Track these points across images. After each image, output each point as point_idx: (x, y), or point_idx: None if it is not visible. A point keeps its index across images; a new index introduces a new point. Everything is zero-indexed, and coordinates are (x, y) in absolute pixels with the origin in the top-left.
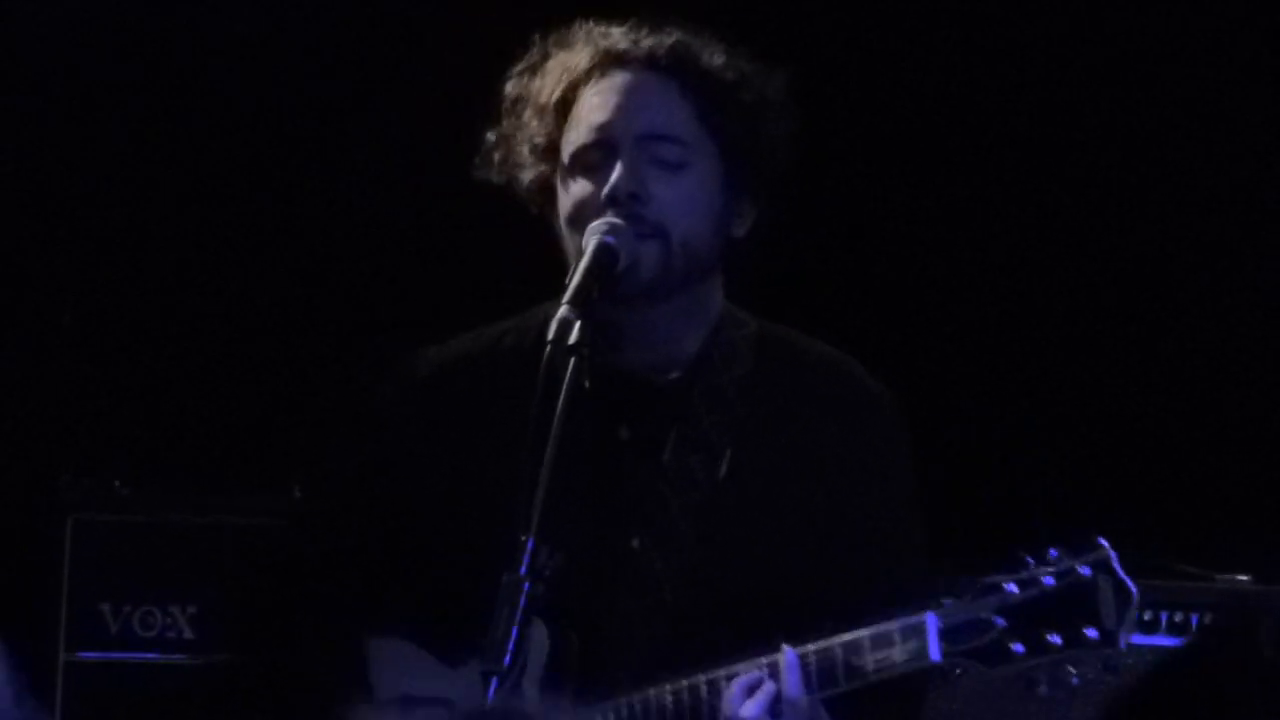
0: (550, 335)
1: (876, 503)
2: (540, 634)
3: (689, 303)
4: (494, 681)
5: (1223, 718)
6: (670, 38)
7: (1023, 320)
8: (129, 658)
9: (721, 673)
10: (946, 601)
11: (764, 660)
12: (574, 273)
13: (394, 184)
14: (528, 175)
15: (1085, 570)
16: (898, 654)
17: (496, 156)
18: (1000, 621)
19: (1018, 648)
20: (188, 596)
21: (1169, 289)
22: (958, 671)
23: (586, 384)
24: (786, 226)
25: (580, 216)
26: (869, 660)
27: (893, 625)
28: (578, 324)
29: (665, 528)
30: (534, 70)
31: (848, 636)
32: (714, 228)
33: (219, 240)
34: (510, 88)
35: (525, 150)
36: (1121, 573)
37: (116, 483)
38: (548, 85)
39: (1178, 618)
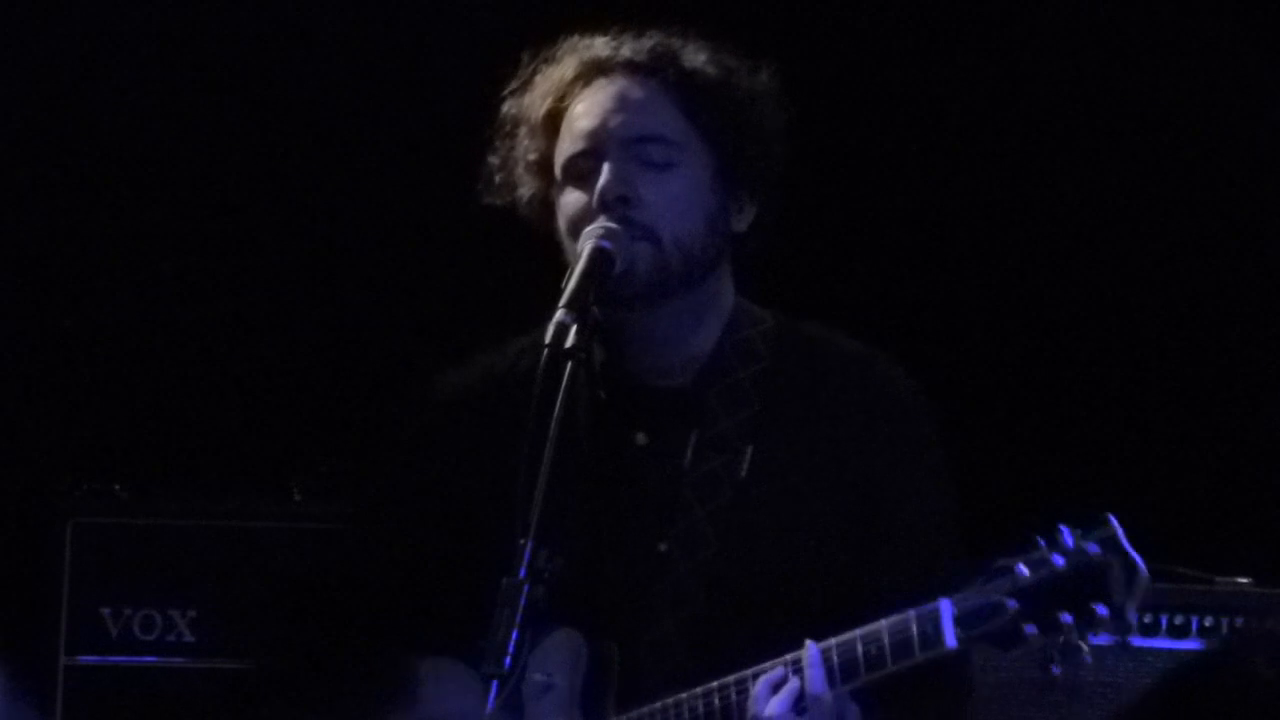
0: (547, 339)
1: (905, 489)
2: (578, 646)
3: (694, 302)
4: (494, 685)
5: None
6: (651, 40)
7: (1023, 321)
8: (129, 661)
9: (749, 673)
10: (961, 587)
11: (787, 657)
12: (570, 277)
13: (399, 192)
14: (526, 193)
15: (1094, 548)
16: (915, 642)
17: (496, 179)
18: (1012, 604)
19: (1030, 629)
20: (188, 600)
21: (1170, 290)
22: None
23: (602, 394)
24: (804, 219)
25: (575, 225)
26: (887, 650)
27: (909, 614)
28: (574, 328)
29: (691, 531)
30: (524, 88)
31: (866, 628)
32: (708, 225)
33: (220, 244)
34: (504, 108)
35: (521, 169)
36: (1129, 549)
37: (117, 486)
38: (536, 101)
39: (1178, 620)
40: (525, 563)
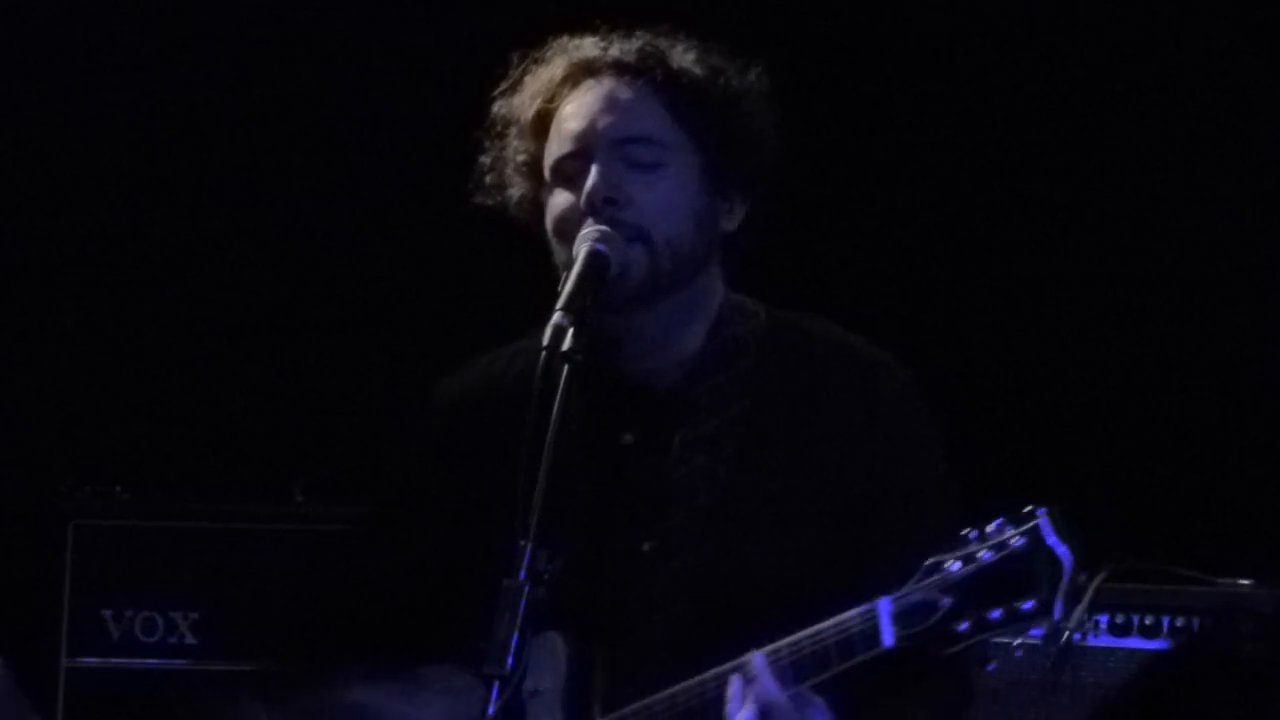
0: (544, 342)
1: (899, 483)
2: (558, 646)
3: (684, 302)
4: (496, 686)
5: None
6: (639, 41)
7: (1023, 322)
8: (130, 663)
9: (708, 676)
10: (901, 584)
11: (738, 665)
12: (566, 280)
13: (400, 195)
14: (516, 194)
15: (1019, 542)
16: (855, 640)
17: (487, 179)
18: (946, 601)
19: (962, 626)
20: (189, 602)
21: (1171, 291)
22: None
23: (589, 394)
24: (798, 214)
25: (564, 227)
26: (831, 649)
27: (851, 612)
28: (571, 330)
29: (676, 531)
30: (513, 89)
31: (815, 629)
32: (698, 225)
33: (220, 246)
34: (495, 109)
35: (511, 170)
36: (1051, 541)
37: (118, 488)
38: (525, 102)
39: (1179, 622)
40: (525, 564)
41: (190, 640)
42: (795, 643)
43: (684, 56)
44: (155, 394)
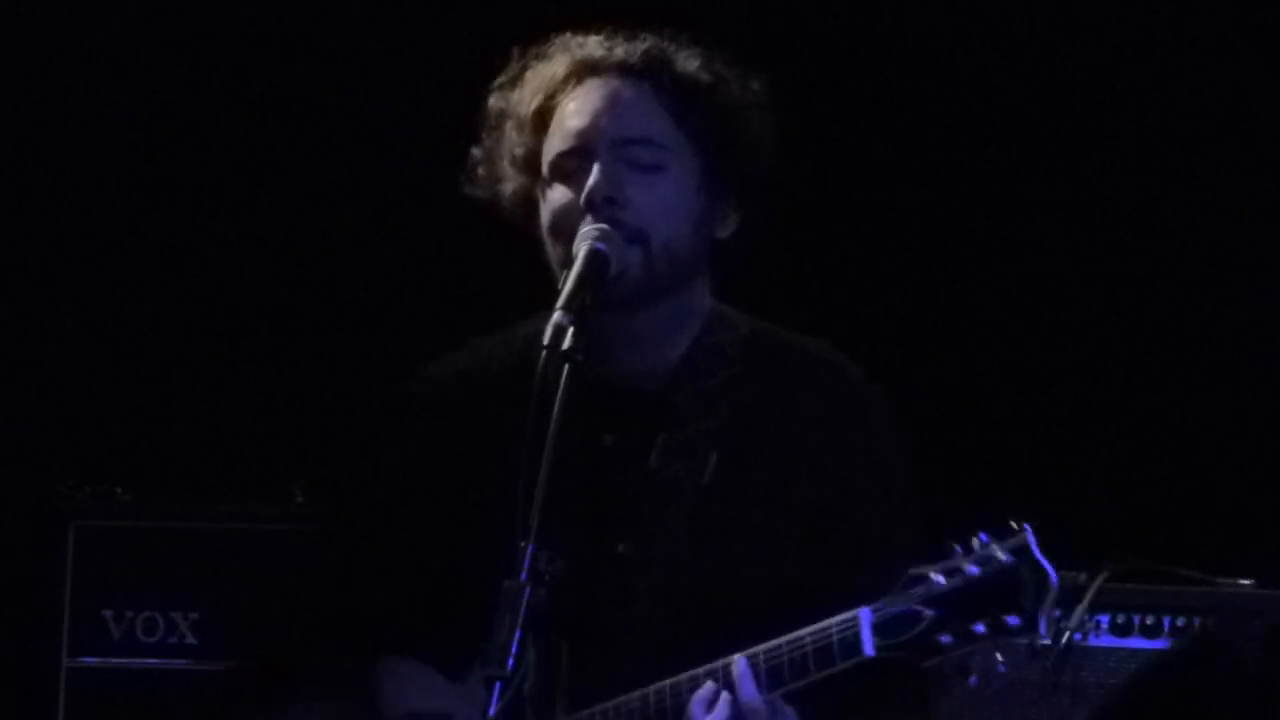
0: (545, 341)
1: (868, 501)
2: (527, 643)
3: (674, 308)
4: (498, 687)
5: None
6: (644, 43)
7: (1022, 322)
8: (131, 663)
9: (684, 679)
10: (881, 595)
11: (717, 668)
12: (566, 279)
13: (401, 197)
14: (509, 188)
15: (1007, 557)
16: (835, 649)
17: (480, 171)
18: (929, 613)
19: (945, 639)
20: (190, 602)
21: (1171, 291)
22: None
23: (550, 382)
24: (782, 224)
25: (561, 224)
26: (810, 656)
27: (830, 621)
28: (571, 330)
29: (651, 534)
30: (513, 83)
31: (791, 635)
32: (694, 230)
33: (221, 246)
34: (491, 102)
35: (506, 163)
36: (1040, 557)
37: (119, 489)
38: (525, 97)
39: (1180, 622)
40: (526, 565)
41: (191, 640)
42: (774, 649)
43: (688, 62)
44: (155, 394)
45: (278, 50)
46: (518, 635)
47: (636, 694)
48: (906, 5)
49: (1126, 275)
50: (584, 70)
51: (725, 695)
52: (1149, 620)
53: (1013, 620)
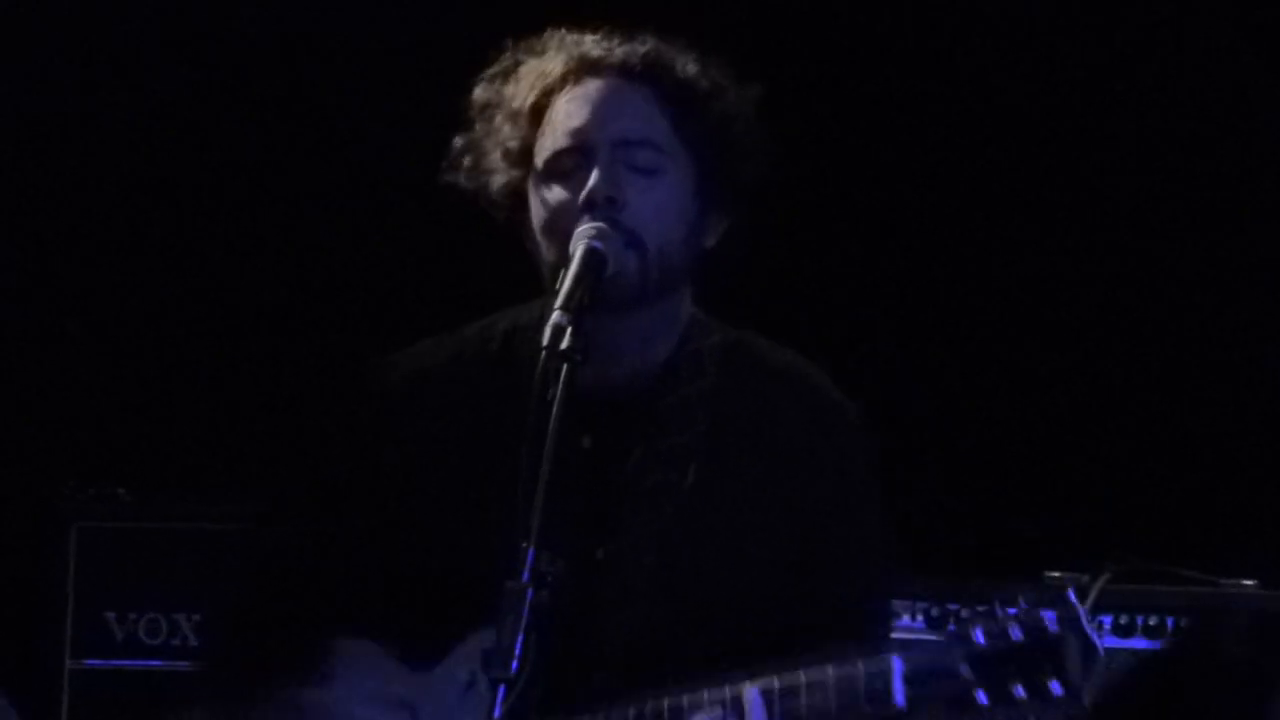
0: (544, 341)
1: (841, 514)
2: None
3: (660, 314)
4: (502, 689)
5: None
6: (644, 45)
7: (1024, 323)
8: (134, 665)
9: (684, 700)
10: (912, 646)
11: (726, 695)
12: (563, 278)
13: (399, 196)
14: (498, 181)
15: (1053, 626)
16: (862, 695)
17: (465, 162)
18: (965, 670)
19: (981, 697)
20: (193, 604)
21: (1171, 291)
22: None
23: (540, 398)
24: (779, 227)
25: (556, 222)
26: (832, 700)
27: (857, 666)
28: (569, 330)
29: (630, 540)
30: (505, 76)
31: (813, 674)
32: (688, 236)
33: (221, 246)
34: (480, 93)
35: (497, 155)
36: (1090, 630)
37: (121, 490)
38: (521, 91)
39: (1183, 623)
40: (529, 566)
41: (193, 642)
42: (790, 683)
43: (687, 67)
44: (157, 395)
45: (278, 50)
46: (520, 637)
47: (632, 710)
48: (903, 7)
49: (1127, 275)
50: (583, 68)
51: None
52: (1152, 621)
53: (1056, 688)
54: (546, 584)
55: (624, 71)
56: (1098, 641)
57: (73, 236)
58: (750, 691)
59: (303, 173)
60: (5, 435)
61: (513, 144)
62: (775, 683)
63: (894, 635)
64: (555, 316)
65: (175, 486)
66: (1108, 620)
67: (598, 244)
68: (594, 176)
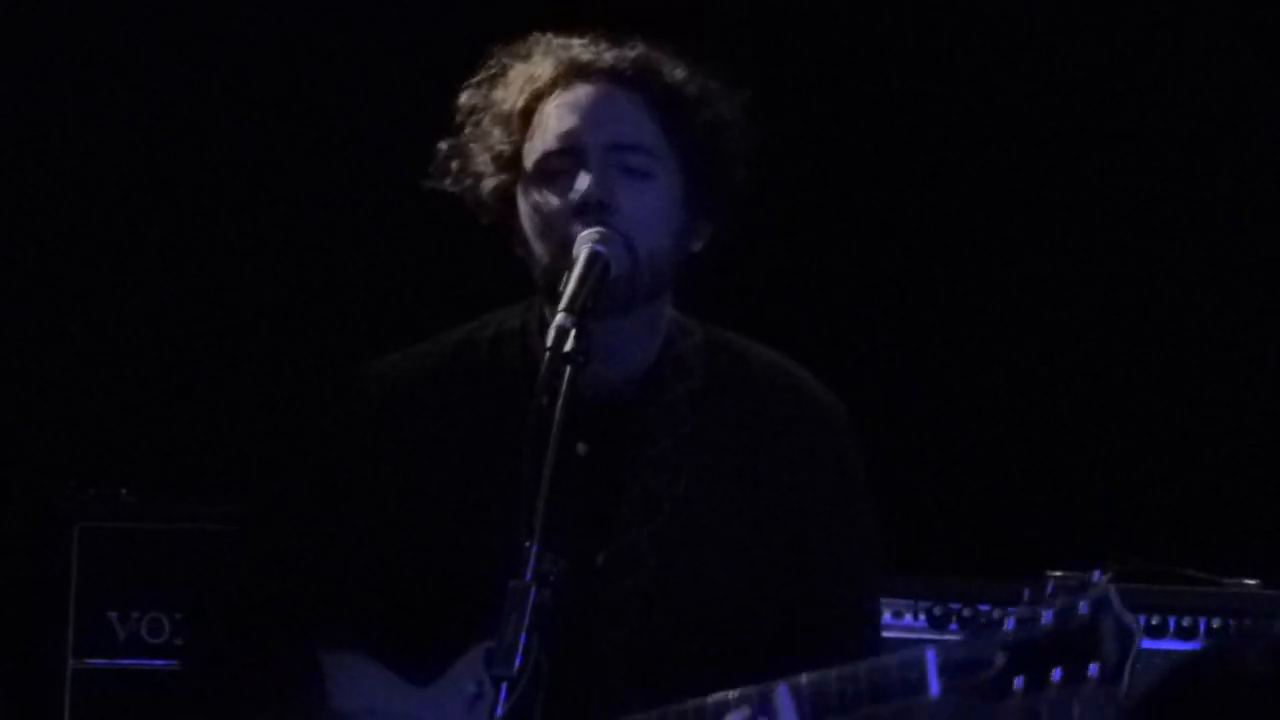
0: (548, 344)
1: (832, 513)
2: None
3: (645, 318)
4: (504, 687)
5: None
6: (633, 50)
7: (1025, 322)
8: (137, 664)
9: (709, 702)
10: (946, 639)
11: (754, 693)
12: (567, 281)
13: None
14: (488, 185)
15: (1084, 608)
16: (895, 688)
17: (453, 166)
18: (1000, 658)
19: (1018, 682)
20: (195, 604)
21: (1173, 291)
22: None
23: (544, 400)
24: (761, 234)
25: (548, 225)
26: (865, 693)
27: (890, 659)
28: (573, 332)
29: (628, 546)
30: (493, 81)
31: (844, 669)
32: (676, 241)
33: (221, 245)
34: (466, 98)
35: (486, 159)
36: (1121, 611)
37: (123, 490)
38: (510, 95)
39: (1185, 622)
40: (532, 566)
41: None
42: (820, 680)
43: (676, 72)
44: (159, 395)
45: (278, 50)
46: (524, 636)
47: (655, 714)
48: (902, 7)
49: (1127, 275)
50: (572, 73)
51: None
52: (1154, 620)
53: (1093, 670)
54: (549, 584)
55: (614, 76)
56: (1131, 622)
57: (73, 236)
58: (779, 689)
59: (302, 173)
60: (6, 435)
61: (502, 148)
62: (804, 679)
63: (892, 634)
64: (559, 319)
65: (177, 486)
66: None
67: (601, 248)
68: (588, 180)
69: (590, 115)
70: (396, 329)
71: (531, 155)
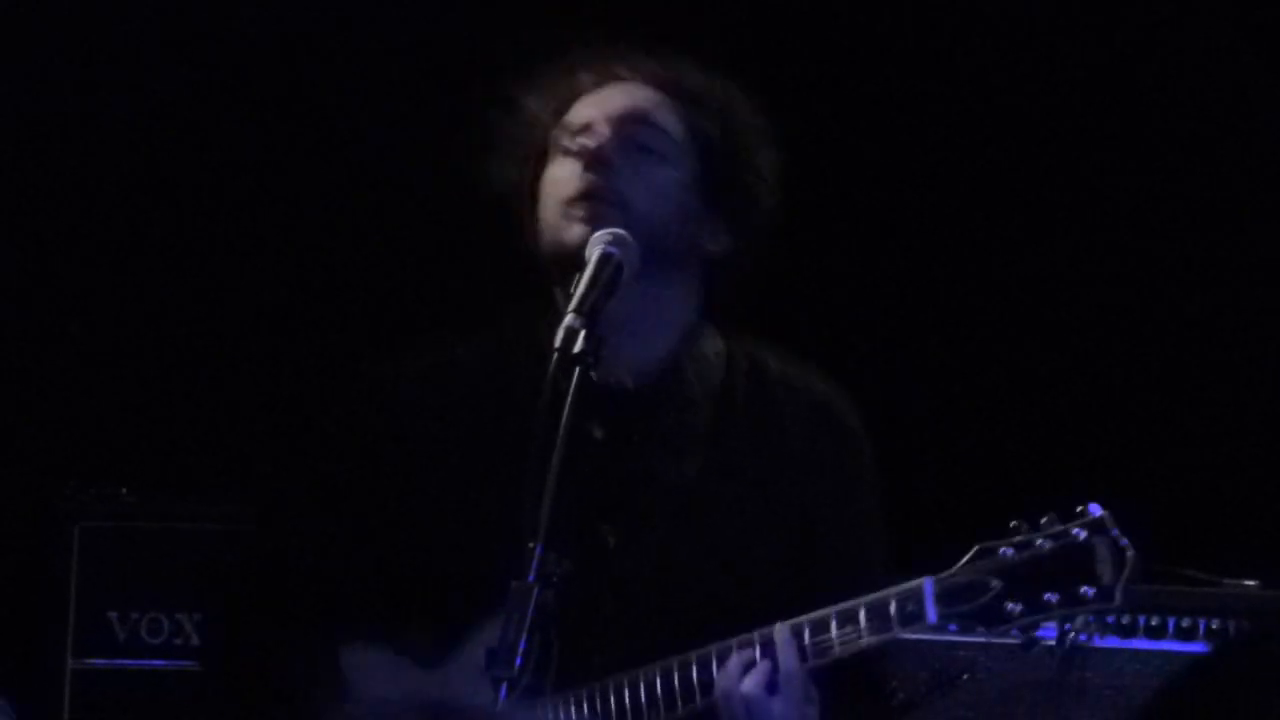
0: (557, 344)
1: (842, 508)
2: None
3: (655, 302)
4: (504, 687)
5: None
6: (660, 62)
7: (1026, 322)
8: (137, 664)
9: (713, 649)
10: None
11: (756, 635)
12: (578, 281)
13: (400, 197)
14: (514, 179)
15: (1080, 533)
16: (894, 617)
17: (487, 163)
18: (996, 583)
19: (1014, 607)
20: (195, 603)
21: (1173, 291)
22: (964, 677)
23: (551, 399)
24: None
25: (555, 194)
26: (864, 628)
27: (888, 592)
28: (582, 333)
29: (639, 528)
30: (527, 88)
31: (842, 605)
32: (680, 220)
33: (221, 245)
34: (506, 108)
35: (519, 156)
36: (1115, 533)
37: (123, 490)
38: (545, 101)
39: (1185, 623)
40: (535, 566)
41: (196, 641)
42: (820, 617)
43: (702, 82)
44: (159, 395)
45: (278, 50)
46: (525, 636)
47: (657, 665)
48: (902, 7)
49: (1127, 275)
50: (605, 77)
51: (764, 662)
52: (1154, 621)
53: (1088, 591)
54: (552, 584)
55: (643, 78)
56: (1126, 543)
57: (73, 236)
58: (780, 629)
59: (303, 173)
60: (6, 435)
61: (537, 144)
62: (804, 618)
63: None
64: (568, 320)
65: (177, 486)
66: (1110, 620)
67: (613, 250)
68: (596, 139)
69: (614, 100)
70: (397, 329)
71: (557, 140)
